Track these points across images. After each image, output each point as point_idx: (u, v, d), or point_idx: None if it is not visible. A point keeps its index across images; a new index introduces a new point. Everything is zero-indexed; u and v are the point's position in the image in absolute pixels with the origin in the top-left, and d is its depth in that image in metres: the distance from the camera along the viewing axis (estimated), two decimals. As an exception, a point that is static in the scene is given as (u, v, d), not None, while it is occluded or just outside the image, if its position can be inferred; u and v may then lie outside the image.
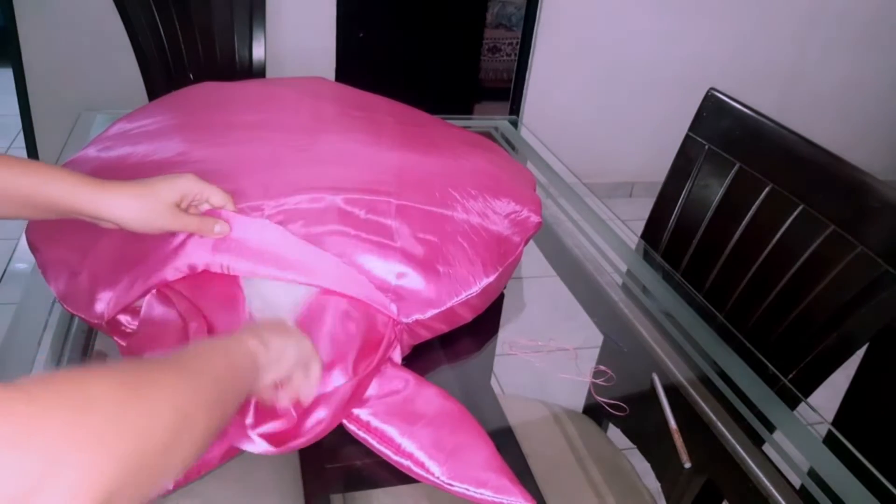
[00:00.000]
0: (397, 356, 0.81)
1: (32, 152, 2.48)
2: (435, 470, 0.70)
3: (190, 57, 1.91)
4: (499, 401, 0.88)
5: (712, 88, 1.24)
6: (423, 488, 0.80)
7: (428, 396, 0.76)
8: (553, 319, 1.03)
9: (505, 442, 0.79)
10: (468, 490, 0.69)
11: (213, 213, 0.78)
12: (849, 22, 2.94)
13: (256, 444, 0.68)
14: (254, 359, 0.59)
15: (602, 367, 0.88)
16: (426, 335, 0.84)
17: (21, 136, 2.48)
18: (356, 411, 0.74)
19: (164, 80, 1.86)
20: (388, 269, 0.83)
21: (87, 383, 0.39)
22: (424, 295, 0.83)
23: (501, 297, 0.98)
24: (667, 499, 0.74)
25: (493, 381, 0.86)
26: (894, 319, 0.93)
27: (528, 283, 1.07)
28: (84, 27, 2.31)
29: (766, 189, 1.10)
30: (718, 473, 0.79)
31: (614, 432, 0.92)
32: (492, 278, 0.88)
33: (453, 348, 0.88)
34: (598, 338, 0.99)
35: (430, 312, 0.83)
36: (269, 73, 2.01)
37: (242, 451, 0.69)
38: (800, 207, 1.05)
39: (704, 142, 1.23)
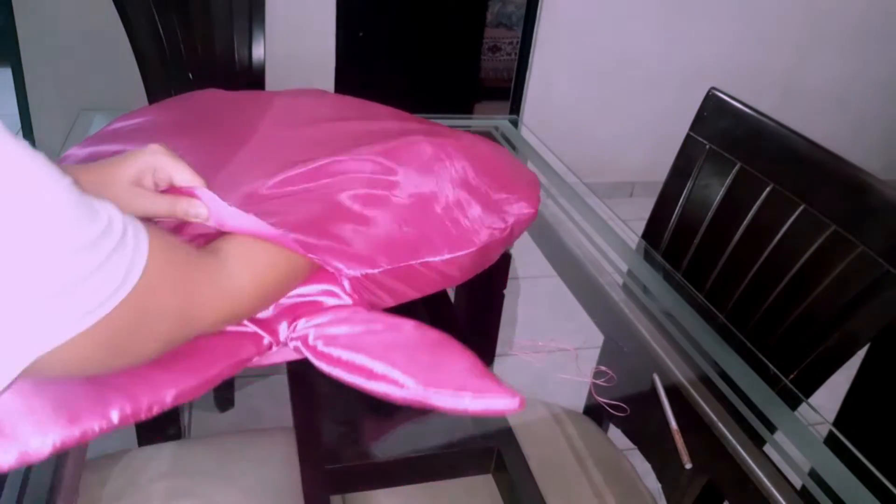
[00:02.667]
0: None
1: (32, 152, 2.48)
2: (409, 383, 0.65)
3: (189, 57, 1.90)
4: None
5: (713, 88, 1.24)
6: (422, 488, 0.80)
7: (406, 328, 0.71)
8: (553, 319, 1.02)
9: (505, 442, 0.79)
10: (447, 399, 0.64)
11: (186, 193, 0.70)
12: (849, 21, 2.94)
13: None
14: None
15: (603, 368, 0.88)
16: (387, 298, 0.80)
17: (20, 136, 2.48)
18: (326, 348, 0.69)
19: (163, 80, 1.85)
20: (342, 223, 0.79)
21: None
22: (375, 248, 0.78)
23: (502, 297, 0.97)
24: (668, 500, 0.73)
25: (493, 382, 0.86)
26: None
27: (528, 283, 1.07)
28: (83, 27, 2.31)
29: (767, 189, 1.10)
30: (719, 474, 0.78)
31: (615, 433, 0.92)
32: (461, 253, 0.82)
33: (453, 348, 0.87)
34: (599, 338, 0.98)
35: (380, 269, 0.77)
36: (268, 74, 2.00)
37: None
38: (801, 207, 1.05)
39: (705, 141, 1.22)
